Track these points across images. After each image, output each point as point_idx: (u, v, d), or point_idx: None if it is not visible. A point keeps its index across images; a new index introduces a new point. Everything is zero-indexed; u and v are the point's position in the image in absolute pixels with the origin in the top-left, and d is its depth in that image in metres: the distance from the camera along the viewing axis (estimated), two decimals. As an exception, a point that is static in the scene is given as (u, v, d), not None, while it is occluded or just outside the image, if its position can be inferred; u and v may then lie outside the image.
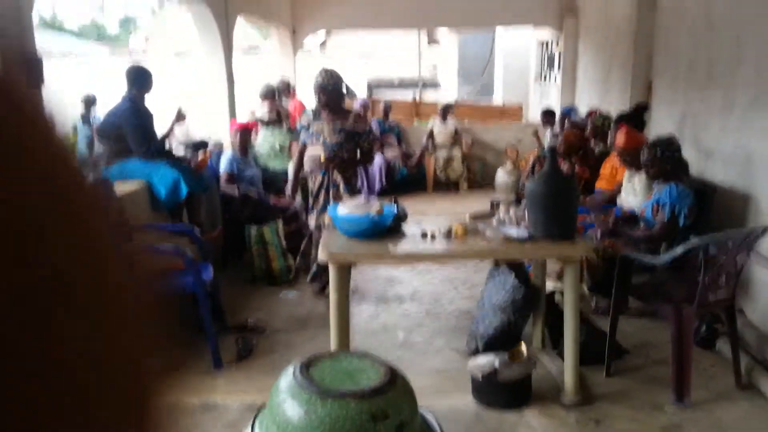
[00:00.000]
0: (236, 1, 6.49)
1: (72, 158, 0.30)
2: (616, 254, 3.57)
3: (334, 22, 10.14)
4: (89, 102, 8.65)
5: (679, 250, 3.15)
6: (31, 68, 3.11)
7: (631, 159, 4.27)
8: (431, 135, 8.51)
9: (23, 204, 0.26)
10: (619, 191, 4.52)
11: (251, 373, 3.32)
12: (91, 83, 10.10)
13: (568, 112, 7.11)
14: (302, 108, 6.84)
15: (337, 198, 3.97)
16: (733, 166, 4.12)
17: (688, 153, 4.19)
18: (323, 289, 4.34)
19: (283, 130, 6.21)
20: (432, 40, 18.70)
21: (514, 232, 3.02)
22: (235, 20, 6.57)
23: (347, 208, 3.12)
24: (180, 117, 5.04)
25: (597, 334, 3.37)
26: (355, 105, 8.16)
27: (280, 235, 4.80)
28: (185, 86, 10.11)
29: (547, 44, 12.13)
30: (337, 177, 4.12)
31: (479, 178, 8.82)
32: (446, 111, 8.60)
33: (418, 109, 10.81)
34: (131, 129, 4.02)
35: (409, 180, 8.35)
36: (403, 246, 3.01)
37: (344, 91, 4.19)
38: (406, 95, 12.32)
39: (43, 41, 14.03)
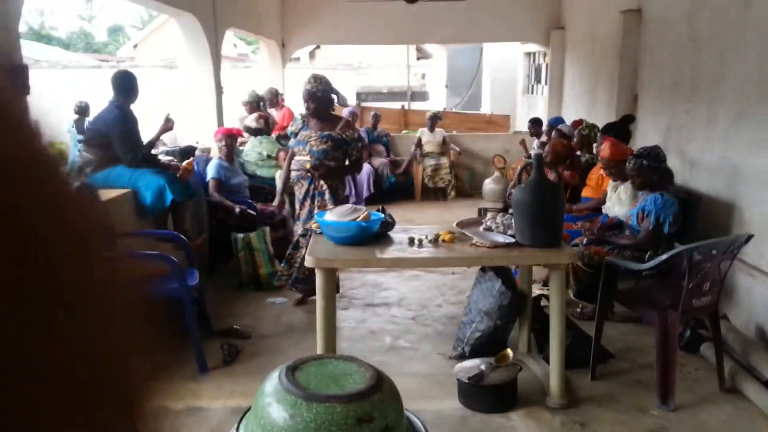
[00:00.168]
0: (225, 13, 6.51)
1: (56, 164, 0.30)
2: (601, 261, 3.60)
3: (323, 36, 10.20)
4: (82, 110, 8.62)
5: (663, 256, 3.20)
6: (17, 76, 3.10)
7: (617, 170, 4.32)
8: (419, 144, 8.56)
9: (7, 207, 0.26)
10: (604, 200, 4.56)
11: (237, 378, 3.31)
12: (79, 92, 10.05)
13: (556, 122, 7.17)
14: (291, 117, 6.87)
15: (322, 207, 3.89)
16: (718, 177, 4.18)
17: (673, 163, 4.25)
18: (302, 300, 4.33)
19: (271, 139, 6.22)
20: (421, 56, 18.83)
21: (501, 239, 3.04)
22: (224, 33, 6.59)
23: (334, 215, 3.13)
24: (168, 124, 5.03)
25: (582, 339, 3.40)
26: (344, 113, 8.19)
27: (267, 242, 4.79)
28: (173, 95, 10.09)
29: (534, 56, 12.25)
30: (323, 185, 4.03)
31: (467, 187, 8.87)
32: (434, 120, 8.66)
33: (406, 118, 10.86)
34: (117, 136, 4.00)
35: (397, 188, 8.38)
36: (391, 252, 3.02)
37: (334, 97, 4.08)
38: (395, 105, 12.37)
39: (31, 50, 13.97)
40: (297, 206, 4.17)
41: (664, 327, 2.98)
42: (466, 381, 2.94)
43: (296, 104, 5.98)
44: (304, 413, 1.85)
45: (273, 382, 2.10)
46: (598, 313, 3.37)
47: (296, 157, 4.10)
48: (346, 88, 14.91)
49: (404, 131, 10.13)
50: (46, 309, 0.27)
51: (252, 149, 6.05)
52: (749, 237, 3.18)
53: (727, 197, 4.04)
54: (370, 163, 8.15)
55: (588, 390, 3.18)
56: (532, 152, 7.07)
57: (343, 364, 2.25)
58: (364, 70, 16.83)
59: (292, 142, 4.18)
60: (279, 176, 5.38)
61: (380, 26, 9.43)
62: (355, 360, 2.29)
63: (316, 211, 3.91)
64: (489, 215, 3.43)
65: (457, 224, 3.39)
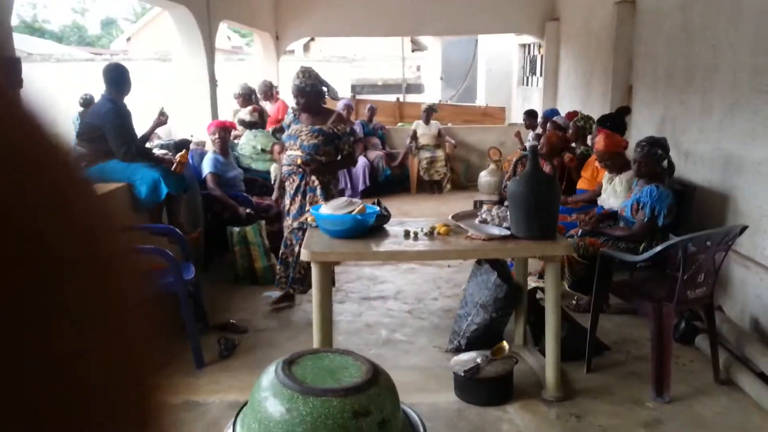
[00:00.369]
0: (219, 6, 6.47)
1: (62, 152, 0.29)
2: (596, 252, 3.61)
3: (317, 29, 10.16)
4: (87, 103, 8.55)
5: (658, 248, 3.20)
6: (9, 69, 3.08)
7: (612, 162, 4.32)
8: (415, 136, 8.54)
9: (14, 200, 0.26)
10: (600, 192, 4.57)
11: (233, 372, 3.31)
12: (72, 85, 9.99)
13: (551, 114, 7.17)
14: (286, 110, 6.84)
15: (314, 202, 3.81)
16: (713, 168, 4.19)
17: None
18: (281, 299, 4.23)
19: (266, 132, 6.19)
20: (416, 48, 18.80)
21: (496, 231, 3.04)
22: (217, 25, 6.55)
23: (330, 208, 3.12)
24: (162, 117, 5.00)
25: (578, 331, 3.41)
26: (339, 105, 8.16)
27: (263, 235, 4.78)
28: (168, 88, 10.05)
29: (529, 48, 12.23)
30: (315, 181, 3.95)
31: (463, 179, 8.87)
32: (429, 113, 8.64)
33: (401, 110, 10.84)
34: (110, 130, 3.98)
35: (392, 181, 8.37)
36: (386, 245, 3.01)
37: (324, 89, 3.99)
38: (390, 98, 12.35)
39: (23, 43, 13.86)
40: (287, 202, 4.07)
41: (659, 318, 2.99)
42: (462, 374, 2.95)
43: (290, 97, 5.96)
44: (300, 407, 1.85)
45: (269, 376, 2.10)
46: (594, 305, 3.38)
47: (287, 152, 4.02)
48: (341, 80, 14.90)
49: (399, 124, 10.11)
50: (54, 309, 0.27)
51: (247, 143, 6.03)
52: (744, 228, 3.19)
53: (722, 188, 4.05)
54: (365, 155, 8.14)
55: (583, 382, 3.19)
56: (527, 144, 7.08)
57: (339, 357, 2.25)
58: (358, 62, 16.80)
59: (284, 136, 4.15)
60: (275, 170, 5.36)
61: (375, 18, 9.40)
62: (352, 353, 2.29)
63: (307, 207, 3.86)
64: (484, 208, 3.43)
65: (453, 217, 3.39)
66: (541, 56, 10.15)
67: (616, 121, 4.94)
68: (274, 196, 4.47)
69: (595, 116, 5.60)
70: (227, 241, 4.74)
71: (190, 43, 6.09)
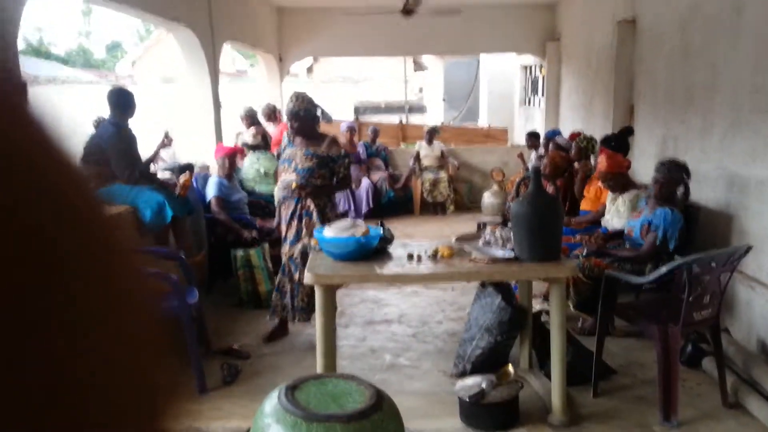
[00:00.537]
0: (223, 28, 6.54)
1: (65, 154, 0.29)
2: (601, 273, 3.59)
3: (320, 49, 10.27)
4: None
5: (663, 269, 3.18)
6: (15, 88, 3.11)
7: (614, 182, 4.32)
8: (418, 158, 8.57)
9: (14, 199, 0.26)
10: (603, 213, 4.56)
11: (236, 399, 3.28)
12: (78, 107, 10.08)
13: (553, 134, 7.19)
14: (289, 132, 6.92)
15: (310, 226, 3.78)
16: (716, 187, 4.18)
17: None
18: (273, 333, 4.12)
19: (270, 155, 6.22)
20: (418, 68, 18.95)
21: (500, 253, 3.03)
22: (221, 47, 6.62)
23: (333, 231, 3.12)
24: (166, 140, 5.03)
25: (584, 355, 3.38)
26: (342, 128, 8.19)
27: (267, 259, 4.77)
28: (172, 111, 10.14)
29: (530, 69, 12.32)
30: (310, 204, 3.90)
31: (466, 201, 8.88)
32: (432, 134, 8.68)
33: (404, 132, 10.91)
34: (115, 153, 4.00)
35: (396, 202, 8.38)
36: (390, 267, 3.00)
37: (318, 114, 3.97)
38: (393, 119, 12.42)
39: (29, 66, 14.01)
40: (283, 227, 4.01)
41: (665, 341, 2.97)
42: (468, 399, 2.92)
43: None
44: (303, 434, 1.83)
45: (272, 402, 2.09)
46: (599, 327, 3.35)
47: (282, 176, 3.98)
48: (344, 102, 15.01)
49: (402, 145, 10.16)
50: (55, 309, 0.27)
51: (250, 165, 6.05)
52: (748, 248, 3.17)
53: (726, 208, 4.04)
54: (369, 177, 8.16)
55: (590, 407, 3.15)
56: (530, 165, 7.10)
57: (342, 383, 2.23)
58: (361, 83, 16.92)
59: (280, 159, 4.13)
60: (278, 192, 5.36)
61: (376, 38, 9.50)
62: (355, 378, 2.27)
63: (303, 231, 3.85)
64: (488, 229, 3.42)
65: (456, 238, 3.38)
66: (543, 76, 10.21)
67: (619, 141, 4.95)
68: (275, 222, 4.45)
69: (597, 136, 5.62)
70: (231, 264, 4.74)
71: (195, 64, 6.14)
